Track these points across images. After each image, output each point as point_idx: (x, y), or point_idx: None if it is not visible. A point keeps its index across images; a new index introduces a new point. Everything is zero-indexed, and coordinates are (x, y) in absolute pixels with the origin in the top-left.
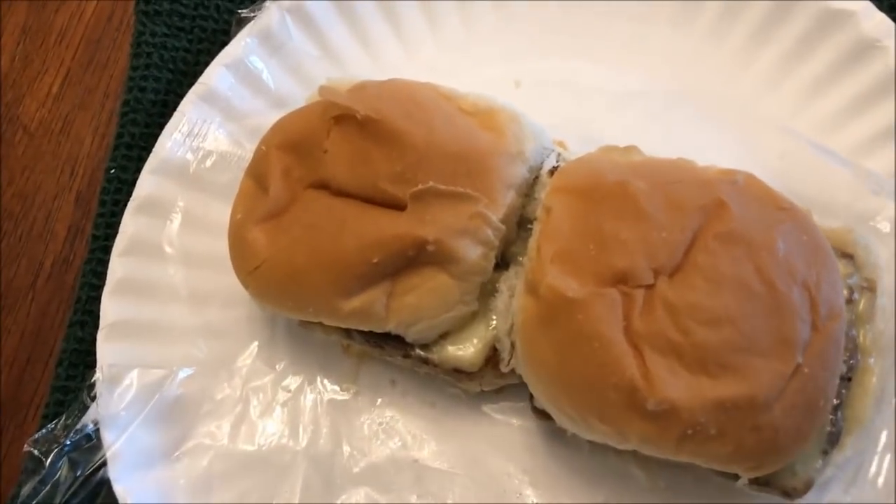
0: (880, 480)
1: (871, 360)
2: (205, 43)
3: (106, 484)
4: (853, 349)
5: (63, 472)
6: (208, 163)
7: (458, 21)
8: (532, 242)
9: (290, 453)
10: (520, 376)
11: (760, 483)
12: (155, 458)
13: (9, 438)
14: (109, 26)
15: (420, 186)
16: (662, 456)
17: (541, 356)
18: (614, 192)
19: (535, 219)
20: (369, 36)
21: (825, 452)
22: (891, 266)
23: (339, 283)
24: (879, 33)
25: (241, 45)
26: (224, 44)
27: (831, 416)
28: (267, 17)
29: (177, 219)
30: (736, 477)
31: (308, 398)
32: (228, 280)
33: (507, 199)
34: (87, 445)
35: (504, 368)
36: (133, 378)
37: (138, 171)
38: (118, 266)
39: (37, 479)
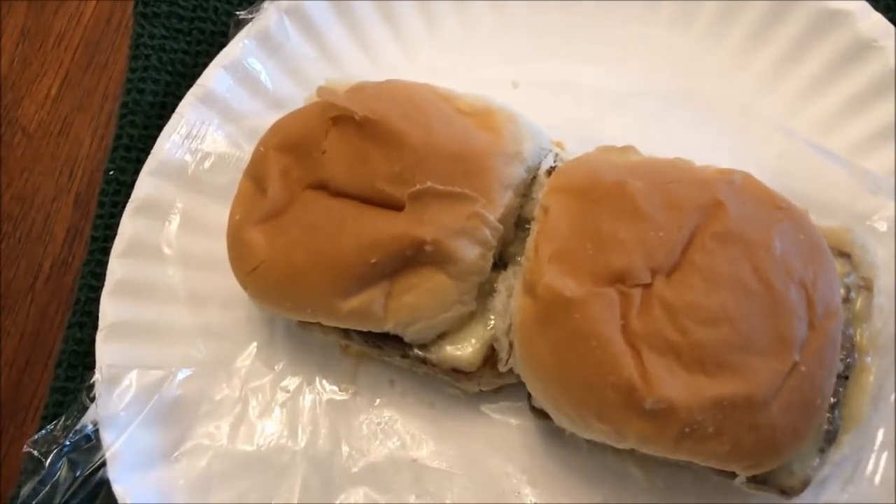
0: (877, 478)
1: (868, 359)
2: (203, 45)
3: (105, 484)
4: (850, 348)
5: (62, 472)
6: (207, 164)
7: (456, 22)
8: (530, 242)
9: (289, 453)
10: (518, 376)
11: (758, 481)
12: (154, 459)
13: (8, 439)
14: (108, 28)
15: (418, 187)
16: (660, 455)
17: (539, 356)
18: (612, 192)
19: (533, 219)
20: (367, 37)
21: (822, 451)
22: (888, 265)
23: (338, 284)
24: (876, 33)
25: (239, 46)
26: (222, 45)
27: (828, 415)
28: (265, 19)
29: (175, 220)
30: (733, 475)
31: (307, 398)
32: (227, 281)
33: (505, 199)
34: (86, 446)
35: (502, 368)
36: (132, 379)
37: (137, 172)
38: (117, 267)
39: (36, 479)
